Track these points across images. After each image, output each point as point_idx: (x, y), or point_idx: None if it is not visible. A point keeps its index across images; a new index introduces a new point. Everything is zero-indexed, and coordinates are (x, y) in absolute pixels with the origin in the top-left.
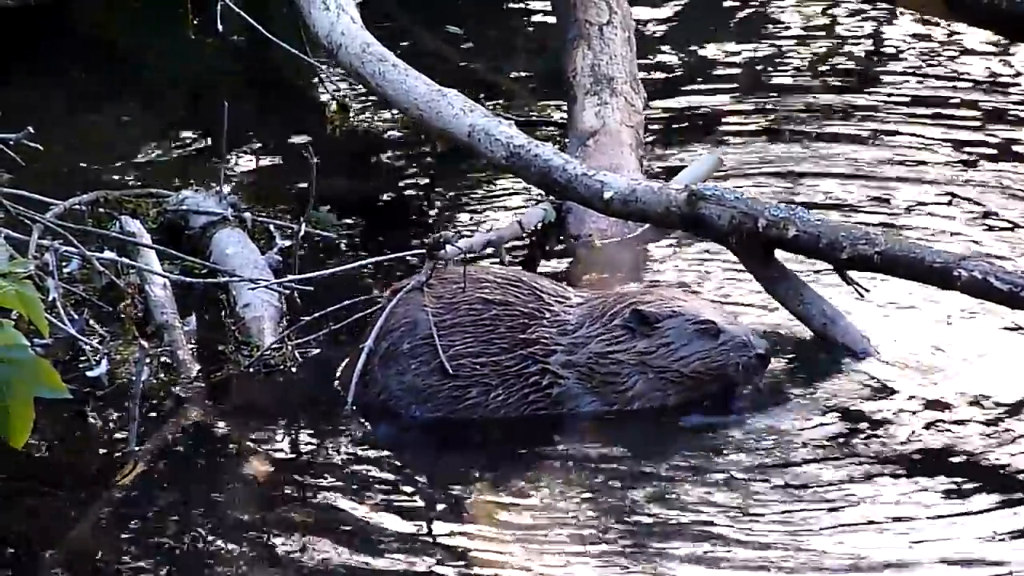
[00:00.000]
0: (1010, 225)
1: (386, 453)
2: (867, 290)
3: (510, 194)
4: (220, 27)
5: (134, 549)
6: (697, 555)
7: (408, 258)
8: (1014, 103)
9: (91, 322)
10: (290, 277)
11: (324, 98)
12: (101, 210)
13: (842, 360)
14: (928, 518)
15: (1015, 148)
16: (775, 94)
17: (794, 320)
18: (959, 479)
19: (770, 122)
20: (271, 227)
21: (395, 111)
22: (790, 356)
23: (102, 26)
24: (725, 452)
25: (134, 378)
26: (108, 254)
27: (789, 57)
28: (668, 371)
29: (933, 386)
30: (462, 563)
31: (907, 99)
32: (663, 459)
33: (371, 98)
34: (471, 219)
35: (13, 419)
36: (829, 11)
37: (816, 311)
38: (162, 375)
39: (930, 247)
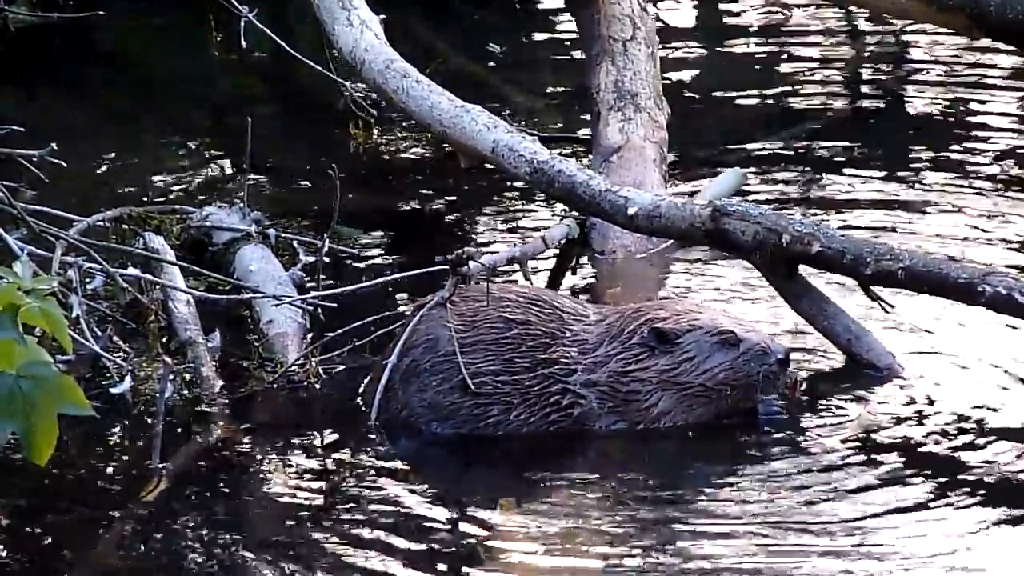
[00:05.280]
0: None
1: (408, 469)
2: (892, 306)
3: (534, 210)
4: (244, 43)
5: (157, 566)
6: (721, 572)
7: (431, 273)
8: None
9: (115, 339)
10: (313, 293)
11: (347, 114)
12: (124, 227)
13: (867, 376)
14: (956, 534)
15: None
16: (800, 111)
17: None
18: (986, 496)
19: (794, 138)
20: (295, 243)
21: (419, 127)
22: (814, 371)
23: (126, 42)
24: (747, 468)
25: (158, 395)
26: (132, 271)
27: (813, 73)
28: (692, 386)
29: (958, 401)
30: None
31: (936, 122)
32: (685, 475)
33: (395, 114)
34: (494, 235)
35: (36, 436)
36: (852, 29)
37: (841, 327)
38: (186, 391)
39: (954, 263)
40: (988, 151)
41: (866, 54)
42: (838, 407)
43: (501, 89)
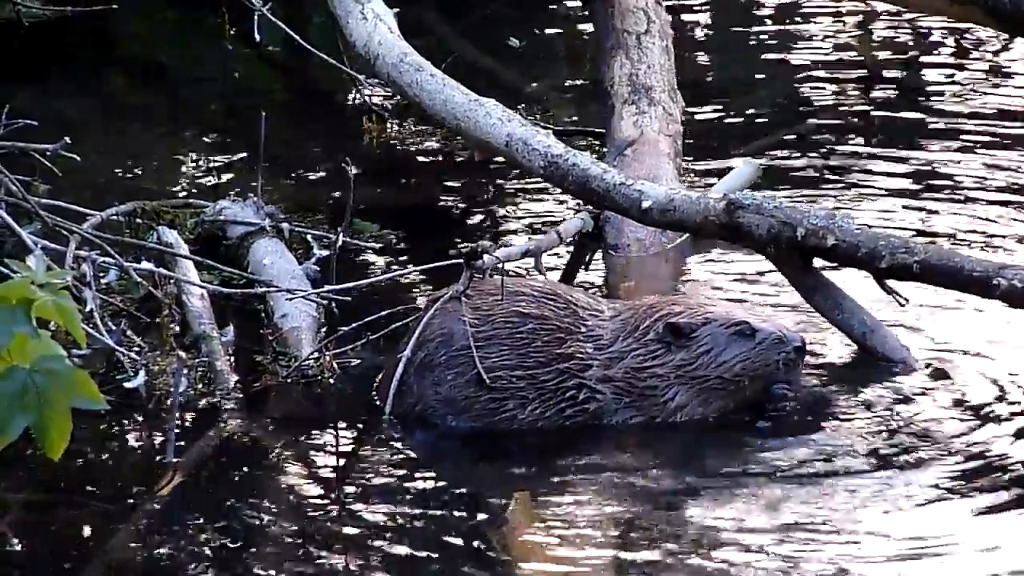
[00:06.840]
0: None
1: (422, 463)
2: (907, 299)
3: (548, 204)
4: (258, 37)
5: (172, 561)
6: (737, 567)
7: (445, 267)
8: None
9: (128, 333)
10: (328, 287)
11: (361, 108)
12: (139, 220)
13: (881, 369)
14: (970, 529)
15: None
16: (812, 105)
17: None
18: (1002, 488)
19: (808, 133)
20: (309, 237)
21: (433, 120)
22: (828, 365)
23: (139, 37)
24: (763, 462)
25: (172, 389)
26: (145, 264)
27: (826, 67)
28: (709, 379)
29: (973, 394)
30: (500, 573)
31: (948, 111)
32: (701, 469)
33: (409, 107)
34: (508, 229)
35: (50, 430)
36: (865, 22)
37: (855, 321)
38: (200, 386)
39: (969, 256)
40: (1005, 140)
41: (880, 42)
42: (853, 400)
43: (515, 82)
